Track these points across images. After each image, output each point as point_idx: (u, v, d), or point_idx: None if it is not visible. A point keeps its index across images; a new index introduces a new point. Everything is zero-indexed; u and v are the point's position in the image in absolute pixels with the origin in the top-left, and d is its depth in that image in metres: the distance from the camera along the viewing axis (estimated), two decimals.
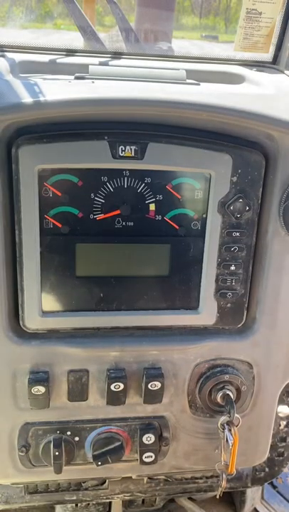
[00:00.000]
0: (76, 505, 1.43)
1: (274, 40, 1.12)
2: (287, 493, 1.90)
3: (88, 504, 1.44)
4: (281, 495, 1.91)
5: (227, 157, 0.86)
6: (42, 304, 0.90)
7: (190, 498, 1.60)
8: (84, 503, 1.42)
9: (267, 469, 1.35)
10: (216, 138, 0.87)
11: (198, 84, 0.94)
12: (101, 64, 1.02)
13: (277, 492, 1.92)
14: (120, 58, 1.07)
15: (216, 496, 1.67)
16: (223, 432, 0.96)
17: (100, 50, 1.07)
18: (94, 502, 1.41)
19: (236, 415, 0.95)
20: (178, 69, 0.97)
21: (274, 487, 1.93)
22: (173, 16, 1.35)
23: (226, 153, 0.86)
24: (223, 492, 1.71)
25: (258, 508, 1.83)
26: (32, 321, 0.90)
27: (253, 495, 1.78)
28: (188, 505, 1.61)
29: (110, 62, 1.05)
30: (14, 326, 0.91)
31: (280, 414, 1.31)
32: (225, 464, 0.99)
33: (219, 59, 1.12)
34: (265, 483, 1.93)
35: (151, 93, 0.82)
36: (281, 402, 1.29)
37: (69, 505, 1.44)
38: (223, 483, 1.03)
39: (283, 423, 1.33)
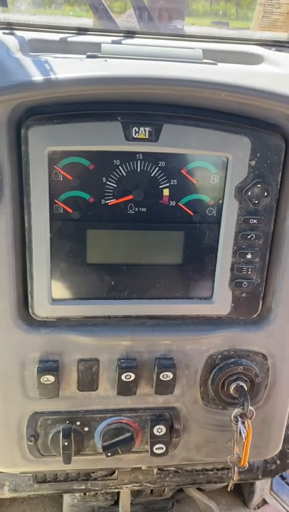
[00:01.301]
0: (84, 493, 1.43)
1: None
2: None
3: (96, 493, 1.43)
4: None
5: (245, 140, 0.82)
6: (52, 292, 0.88)
7: (199, 489, 1.58)
8: (92, 492, 1.41)
9: (278, 462, 1.33)
10: (234, 120, 0.83)
11: (216, 64, 0.90)
12: (114, 43, 0.98)
13: (287, 483, 1.90)
14: (134, 37, 1.03)
15: (224, 486, 1.66)
16: (236, 424, 0.94)
17: (113, 29, 1.03)
18: (102, 491, 1.41)
19: (250, 408, 0.93)
20: (194, 48, 0.93)
21: (283, 478, 1.91)
22: None
23: (244, 135, 0.82)
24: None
25: (267, 499, 1.82)
26: (41, 309, 0.88)
27: (262, 486, 1.77)
28: (196, 496, 1.59)
29: (123, 41, 1.00)
30: (23, 313, 0.89)
31: None
32: (237, 457, 0.97)
33: (236, 38, 1.07)
34: None
35: (167, 71, 0.78)
36: None
37: (77, 494, 1.44)
38: (235, 477, 1.01)
39: None
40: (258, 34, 1.08)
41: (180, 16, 1.26)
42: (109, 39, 1.00)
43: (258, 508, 1.81)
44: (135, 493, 1.48)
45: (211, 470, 1.24)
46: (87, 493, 1.43)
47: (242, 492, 1.82)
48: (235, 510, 1.78)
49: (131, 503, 1.46)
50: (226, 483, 1.53)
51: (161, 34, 1.03)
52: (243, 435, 0.92)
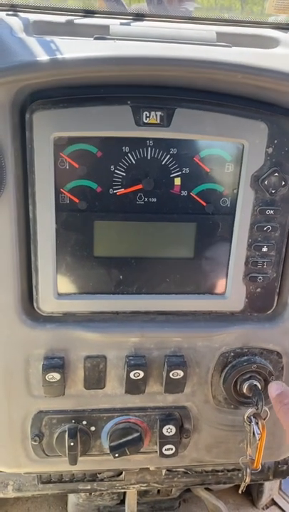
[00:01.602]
0: (90, 493, 1.39)
1: None
2: None
3: (102, 493, 1.40)
4: None
5: (262, 126, 0.77)
6: (57, 286, 0.84)
7: (206, 488, 1.55)
8: (98, 492, 1.38)
9: None
10: (250, 105, 0.78)
11: (230, 47, 0.85)
12: (122, 25, 0.94)
13: None
14: (143, 20, 0.98)
15: (233, 486, 1.63)
16: (250, 425, 0.90)
17: (121, 12, 0.98)
18: (109, 491, 1.37)
19: (264, 408, 0.88)
20: (207, 30, 0.88)
21: None
22: None
23: (261, 121, 0.77)
24: None
25: (275, 499, 1.78)
26: (47, 304, 0.84)
27: (271, 486, 1.73)
28: (204, 496, 1.56)
29: (132, 24, 0.96)
30: (28, 308, 0.85)
31: None
32: (250, 459, 0.93)
33: (250, 22, 1.02)
34: None
35: (181, 52, 0.73)
36: None
37: (83, 493, 1.41)
38: (247, 479, 0.97)
39: None
40: (273, 17, 1.03)
41: None
42: (117, 22, 0.96)
43: (267, 508, 1.77)
44: (142, 493, 1.44)
45: (222, 471, 1.20)
46: (93, 493, 1.40)
47: (250, 492, 1.79)
48: (243, 510, 1.74)
49: (137, 502, 1.42)
50: (234, 484, 1.50)
51: (171, 17, 0.98)
52: (257, 436, 0.88)
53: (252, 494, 1.78)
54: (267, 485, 1.71)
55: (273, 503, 1.77)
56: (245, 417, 0.89)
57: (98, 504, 1.53)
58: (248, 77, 0.74)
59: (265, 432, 0.88)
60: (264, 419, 0.89)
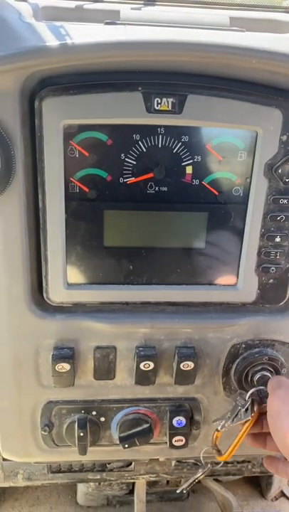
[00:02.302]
0: (99, 483, 1.40)
1: None
2: None
3: (111, 483, 1.40)
4: None
5: (277, 112, 0.76)
6: (67, 276, 0.83)
7: (216, 479, 1.55)
8: (107, 482, 1.39)
9: None
10: (264, 91, 0.76)
11: (244, 31, 0.83)
12: (133, 10, 0.91)
13: None
14: (154, 5, 0.96)
15: (242, 477, 1.63)
16: (245, 400, 0.86)
17: None
18: (118, 481, 1.38)
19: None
20: (220, 15, 0.86)
21: None
22: None
23: (275, 107, 0.75)
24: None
25: (284, 490, 1.78)
26: (56, 294, 0.83)
27: (280, 477, 1.72)
28: (213, 487, 1.56)
29: (143, 9, 0.94)
30: (38, 299, 0.85)
31: None
32: (215, 449, 0.90)
33: (265, 6, 0.99)
34: None
35: (193, 36, 0.71)
36: None
37: (92, 483, 1.41)
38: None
39: None
40: (288, 1, 1.00)
41: None
42: (128, 7, 0.93)
43: (276, 499, 1.77)
44: (151, 483, 1.45)
45: (231, 462, 1.19)
46: (102, 483, 1.40)
47: (259, 483, 1.78)
48: (252, 502, 1.74)
49: (146, 493, 1.43)
50: (244, 475, 1.49)
51: (183, 1, 0.95)
52: (248, 415, 0.85)
53: (261, 485, 1.77)
54: (276, 476, 1.70)
55: (282, 494, 1.76)
56: (249, 394, 0.86)
57: (107, 494, 1.54)
58: (262, 61, 0.72)
59: (254, 419, 0.85)
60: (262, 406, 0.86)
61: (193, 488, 1.67)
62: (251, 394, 0.87)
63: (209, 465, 0.95)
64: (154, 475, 1.21)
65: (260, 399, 0.87)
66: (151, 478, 1.23)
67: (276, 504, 1.74)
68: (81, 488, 1.53)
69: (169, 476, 1.22)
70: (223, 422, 0.87)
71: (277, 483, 1.73)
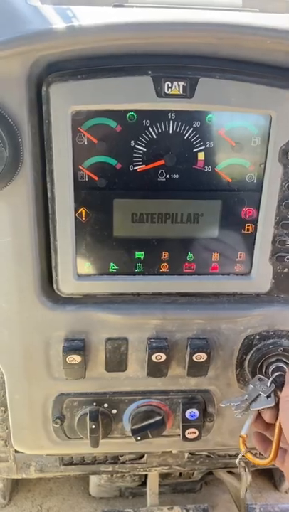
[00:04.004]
0: (112, 475, 1.40)
1: None
2: None
3: (124, 475, 1.40)
4: None
5: None
6: (77, 267, 0.82)
7: (229, 471, 1.54)
8: (120, 474, 1.38)
9: None
10: (278, 73, 0.73)
11: (257, 11, 0.80)
12: None
13: None
14: None
15: (255, 469, 1.61)
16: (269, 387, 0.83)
17: None
18: (130, 473, 1.37)
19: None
20: None
21: None
22: None
23: None
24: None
25: None
26: (66, 285, 0.82)
27: None
28: (226, 479, 1.55)
29: None
30: (48, 290, 0.83)
31: None
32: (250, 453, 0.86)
33: None
34: None
35: (205, 17, 0.69)
36: None
37: (104, 475, 1.41)
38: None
39: None
40: None
41: None
42: None
43: None
44: (163, 475, 1.44)
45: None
46: (114, 475, 1.40)
47: (273, 476, 1.77)
48: (265, 494, 1.73)
49: (159, 484, 1.42)
50: (257, 467, 1.48)
51: None
52: (274, 399, 0.81)
53: (274, 478, 1.76)
54: None
55: None
56: (270, 380, 0.83)
57: (120, 485, 1.53)
58: (277, 41, 0.69)
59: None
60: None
61: (206, 479, 1.66)
62: (273, 380, 0.84)
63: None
64: (167, 467, 1.20)
65: (277, 387, 0.85)
66: (164, 471, 1.23)
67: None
68: (93, 479, 1.53)
69: (182, 468, 1.22)
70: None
71: None
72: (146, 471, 1.21)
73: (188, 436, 0.93)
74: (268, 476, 1.76)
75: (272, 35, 0.68)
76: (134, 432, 0.92)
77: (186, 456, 1.13)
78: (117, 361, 0.88)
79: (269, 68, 0.74)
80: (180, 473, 1.46)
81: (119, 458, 1.12)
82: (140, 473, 1.25)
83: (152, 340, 0.86)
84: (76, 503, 1.66)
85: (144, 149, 0.76)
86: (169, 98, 0.72)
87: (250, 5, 0.82)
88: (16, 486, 1.67)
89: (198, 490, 1.68)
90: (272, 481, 1.77)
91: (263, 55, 0.73)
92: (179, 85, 0.71)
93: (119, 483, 1.47)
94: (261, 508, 1.39)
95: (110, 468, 1.19)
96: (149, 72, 0.70)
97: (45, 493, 1.67)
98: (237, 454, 1.11)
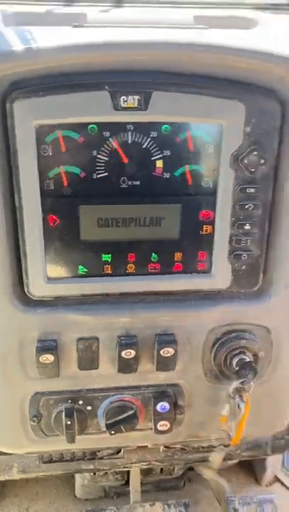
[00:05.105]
0: (94, 473, 1.43)
1: None
2: None
3: (106, 473, 1.44)
4: None
5: (239, 105, 0.79)
6: (47, 270, 0.87)
7: (209, 467, 1.58)
8: (102, 472, 1.42)
9: (287, 437, 1.32)
10: (227, 85, 0.80)
11: (206, 29, 0.86)
12: (101, 12, 0.95)
13: None
14: (122, 7, 0.99)
15: (236, 463, 1.66)
16: (234, 398, 0.92)
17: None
18: (112, 471, 1.41)
19: (251, 383, 0.91)
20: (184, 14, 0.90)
21: None
22: None
23: (238, 100, 0.79)
24: (244, 460, 1.69)
25: (279, 476, 1.81)
26: (37, 288, 0.87)
27: (273, 463, 1.76)
28: (207, 474, 1.59)
29: (111, 11, 0.97)
30: (19, 293, 0.88)
31: None
32: (227, 434, 0.95)
33: (231, 3, 1.03)
34: (286, 452, 1.92)
35: (155, 36, 0.75)
36: None
37: (87, 474, 1.45)
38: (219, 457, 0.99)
39: None
40: None
41: None
42: (97, 9, 0.97)
43: (270, 485, 1.81)
44: (145, 472, 1.48)
45: (220, 445, 1.23)
46: (97, 473, 1.43)
47: (254, 469, 1.82)
48: (247, 488, 1.78)
49: (142, 483, 1.46)
50: (236, 460, 1.53)
51: (151, 2, 0.99)
52: (242, 409, 0.90)
53: (255, 472, 1.81)
54: (269, 462, 1.74)
55: (276, 479, 1.80)
56: (231, 390, 0.92)
57: (104, 485, 1.57)
58: (221, 57, 0.75)
59: (248, 406, 0.90)
60: (248, 392, 0.91)
61: (189, 476, 1.71)
62: (235, 390, 0.92)
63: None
64: (146, 463, 1.24)
65: (247, 378, 0.91)
66: (144, 466, 1.27)
67: (270, 489, 1.78)
68: (78, 480, 1.56)
69: (161, 463, 1.26)
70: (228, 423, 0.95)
71: (271, 469, 1.77)
72: (126, 467, 1.25)
73: (160, 428, 0.98)
74: (250, 471, 1.81)
75: (216, 51, 0.74)
76: (108, 427, 0.96)
77: (161, 450, 1.18)
78: (89, 360, 0.92)
79: (218, 81, 0.80)
80: (161, 470, 1.50)
81: (97, 454, 1.16)
82: (120, 469, 1.29)
83: (122, 338, 0.91)
84: (62, 506, 1.69)
85: (106, 158, 0.82)
86: (125, 111, 0.77)
87: (202, 22, 0.88)
88: (3, 492, 1.70)
89: (181, 487, 1.72)
90: (254, 475, 1.82)
91: (211, 70, 0.79)
92: (134, 99, 0.77)
93: (103, 482, 1.51)
94: (240, 499, 1.43)
95: (91, 466, 1.23)
96: (106, 87, 0.76)
97: (31, 497, 1.70)
98: (209, 446, 1.18)
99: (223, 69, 0.78)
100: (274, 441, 1.31)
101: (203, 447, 1.18)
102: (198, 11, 0.98)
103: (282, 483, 1.79)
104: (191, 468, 1.58)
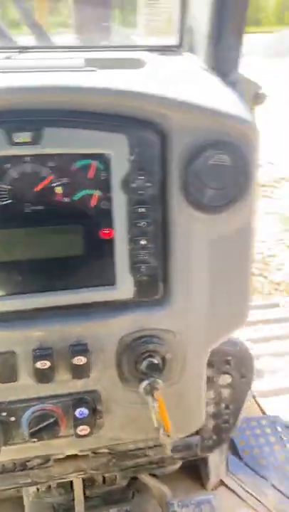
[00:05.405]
0: (37, 489, 1.48)
1: (177, 23, 1.17)
2: (254, 465, 1.97)
3: (49, 487, 1.48)
4: (248, 466, 1.98)
5: (122, 137, 0.91)
6: None
7: (151, 474, 1.65)
8: (45, 487, 1.46)
9: (214, 437, 1.41)
10: (112, 119, 0.91)
11: (95, 71, 0.98)
12: (6, 59, 1.06)
13: (245, 464, 1.98)
14: (27, 52, 1.11)
15: (181, 470, 1.73)
16: (148, 397, 1.00)
17: (7, 46, 1.11)
18: (54, 485, 1.45)
19: (158, 380, 1.00)
20: (77, 58, 1.02)
21: (240, 459, 2.00)
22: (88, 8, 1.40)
23: (121, 133, 0.91)
24: (189, 466, 1.77)
25: (224, 479, 1.89)
26: None
27: (217, 467, 1.84)
28: (151, 482, 1.65)
29: (16, 57, 1.08)
30: None
31: (221, 383, 1.36)
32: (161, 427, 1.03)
33: (125, 46, 1.16)
34: (231, 455, 2.00)
35: (45, 80, 0.86)
36: (220, 371, 1.34)
37: (31, 491, 1.48)
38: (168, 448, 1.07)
39: (226, 391, 1.38)
40: (146, 40, 1.17)
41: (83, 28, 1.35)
42: (3, 55, 1.08)
43: (216, 489, 1.88)
44: (89, 484, 1.53)
45: (144, 449, 1.30)
46: (40, 489, 1.48)
47: (200, 475, 1.89)
48: (193, 493, 1.84)
49: (89, 497, 1.51)
50: (177, 466, 1.60)
51: (52, 47, 1.11)
52: (155, 404, 0.99)
53: (201, 477, 1.88)
54: (212, 466, 1.81)
55: (221, 483, 1.87)
56: (141, 389, 1.00)
57: (50, 501, 1.60)
58: (103, 98, 0.87)
59: (162, 401, 0.99)
60: (158, 390, 1.00)
61: (134, 485, 1.76)
62: (146, 390, 1.01)
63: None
64: (82, 472, 1.30)
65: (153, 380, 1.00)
66: (81, 476, 1.33)
67: (216, 493, 1.85)
68: (25, 500, 1.59)
69: (97, 471, 1.32)
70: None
71: (215, 472, 1.85)
72: (63, 478, 1.31)
73: (80, 433, 1.05)
74: (195, 476, 1.88)
75: (92, 93, 0.86)
76: (31, 435, 1.03)
77: (90, 456, 1.25)
78: (8, 373, 0.99)
79: (104, 116, 0.91)
80: (104, 481, 1.55)
81: (27, 464, 1.22)
82: (59, 481, 1.34)
83: (37, 350, 0.99)
84: None
85: (10, 187, 0.91)
86: (20, 146, 0.88)
87: (92, 64, 1.00)
88: None
89: (130, 499, 1.76)
90: (200, 481, 1.89)
91: (96, 106, 0.90)
92: (27, 135, 0.87)
93: (48, 498, 1.54)
94: (179, 502, 1.51)
95: (28, 480, 1.28)
96: (1, 126, 0.86)
97: None
98: (137, 449, 1.25)
99: (106, 106, 0.90)
100: (202, 441, 1.40)
101: (130, 450, 1.26)
102: (92, 53, 1.10)
103: (227, 487, 1.87)
104: (135, 478, 1.64)
